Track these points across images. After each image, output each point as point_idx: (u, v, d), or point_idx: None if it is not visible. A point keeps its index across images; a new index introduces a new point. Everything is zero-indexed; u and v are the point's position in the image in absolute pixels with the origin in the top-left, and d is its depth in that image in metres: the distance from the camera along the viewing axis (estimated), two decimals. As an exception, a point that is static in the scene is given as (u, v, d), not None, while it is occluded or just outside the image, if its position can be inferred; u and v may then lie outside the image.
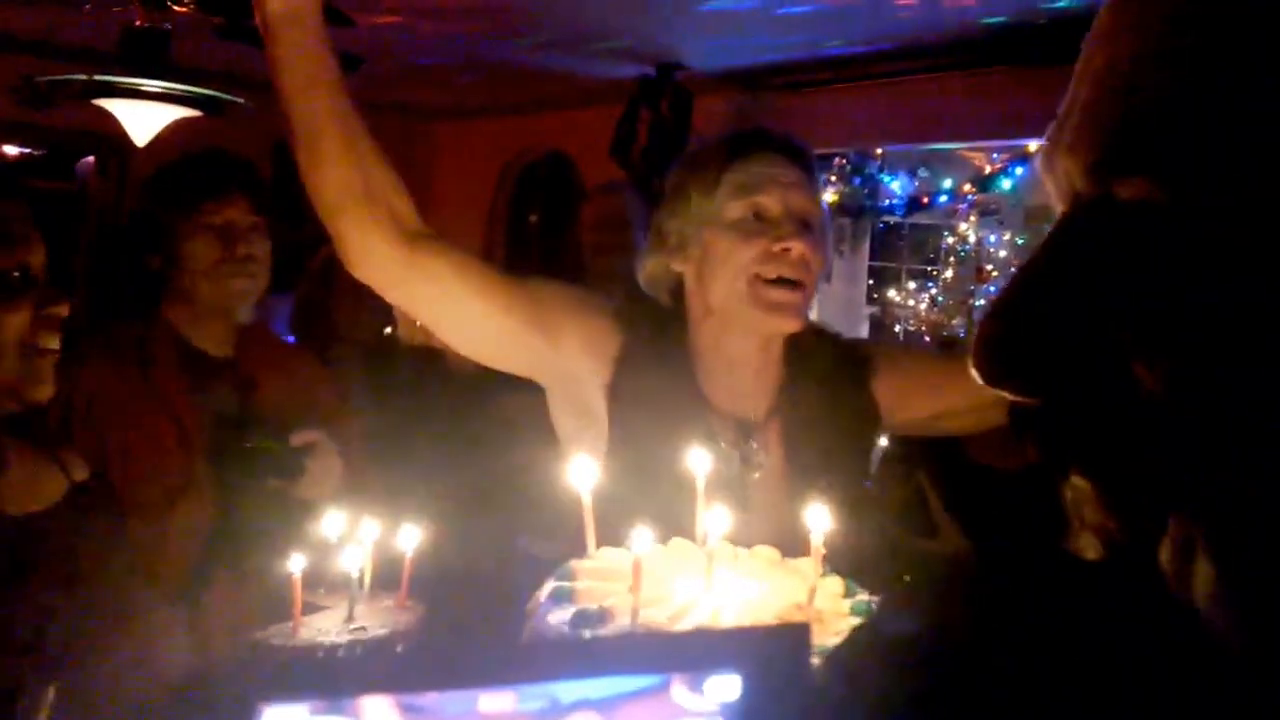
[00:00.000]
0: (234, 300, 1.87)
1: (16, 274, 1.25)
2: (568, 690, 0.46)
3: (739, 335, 1.48)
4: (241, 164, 1.94)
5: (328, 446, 1.80)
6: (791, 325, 1.45)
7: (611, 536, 1.23)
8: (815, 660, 0.53)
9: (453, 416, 2.78)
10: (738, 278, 1.42)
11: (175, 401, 1.79)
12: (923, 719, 0.48)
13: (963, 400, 1.51)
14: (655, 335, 1.48)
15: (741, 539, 1.27)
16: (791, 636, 0.47)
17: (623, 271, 2.68)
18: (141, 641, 1.35)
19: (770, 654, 0.45)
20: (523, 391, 1.75)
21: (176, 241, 1.83)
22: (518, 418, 2.44)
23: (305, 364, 2.08)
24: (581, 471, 1.23)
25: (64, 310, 1.28)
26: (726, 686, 0.45)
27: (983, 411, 1.52)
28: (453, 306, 1.43)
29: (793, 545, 1.29)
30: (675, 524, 1.25)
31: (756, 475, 1.45)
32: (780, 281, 1.42)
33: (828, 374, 1.52)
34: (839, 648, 0.51)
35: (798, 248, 1.40)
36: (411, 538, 1.33)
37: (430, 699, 0.46)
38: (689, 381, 1.47)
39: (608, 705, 0.46)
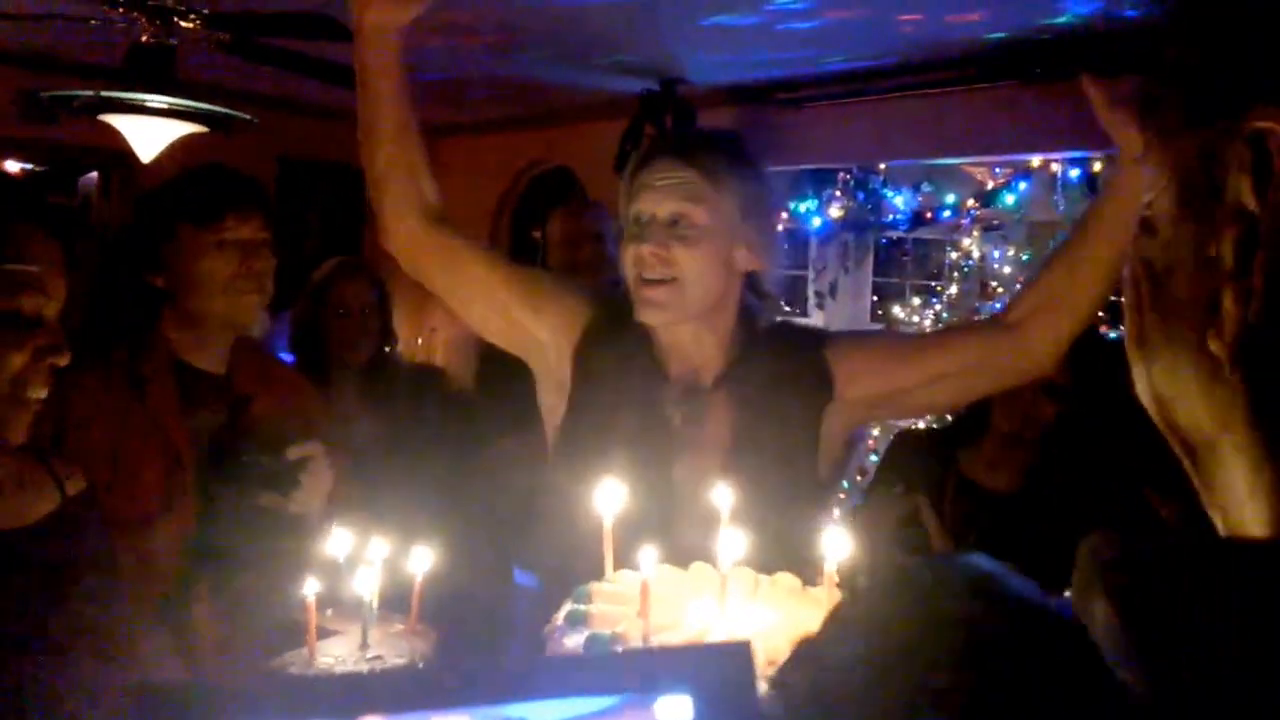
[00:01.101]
0: (247, 315, 1.85)
1: (27, 315, 1.24)
2: (522, 712, 0.46)
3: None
4: (250, 179, 1.93)
5: (322, 460, 1.77)
6: (658, 319, 1.58)
7: (571, 493, 1.37)
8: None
9: (449, 439, 2.77)
10: (628, 276, 1.59)
11: (167, 421, 1.76)
12: None
13: (919, 374, 1.61)
14: (621, 312, 1.62)
15: (686, 492, 1.39)
16: (737, 655, 0.47)
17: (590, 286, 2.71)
18: (128, 666, 1.32)
19: (720, 671, 0.46)
20: (517, 431, 1.82)
21: (187, 257, 1.79)
22: (514, 451, 2.44)
23: (294, 382, 2.06)
24: (604, 496, 1.26)
25: (62, 361, 1.25)
26: (678, 707, 0.45)
27: (942, 384, 1.61)
28: (461, 279, 1.67)
29: (741, 502, 1.34)
30: (623, 473, 1.36)
31: (698, 429, 1.57)
32: (650, 280, 1.55)
33: (778, 345, 1.63)
34: (783, 666, 0.50)
35: (644, 250, 1.55)
36: (422, 560, 1.32)
37: None
38: (645, 351, 1.62)
39: None
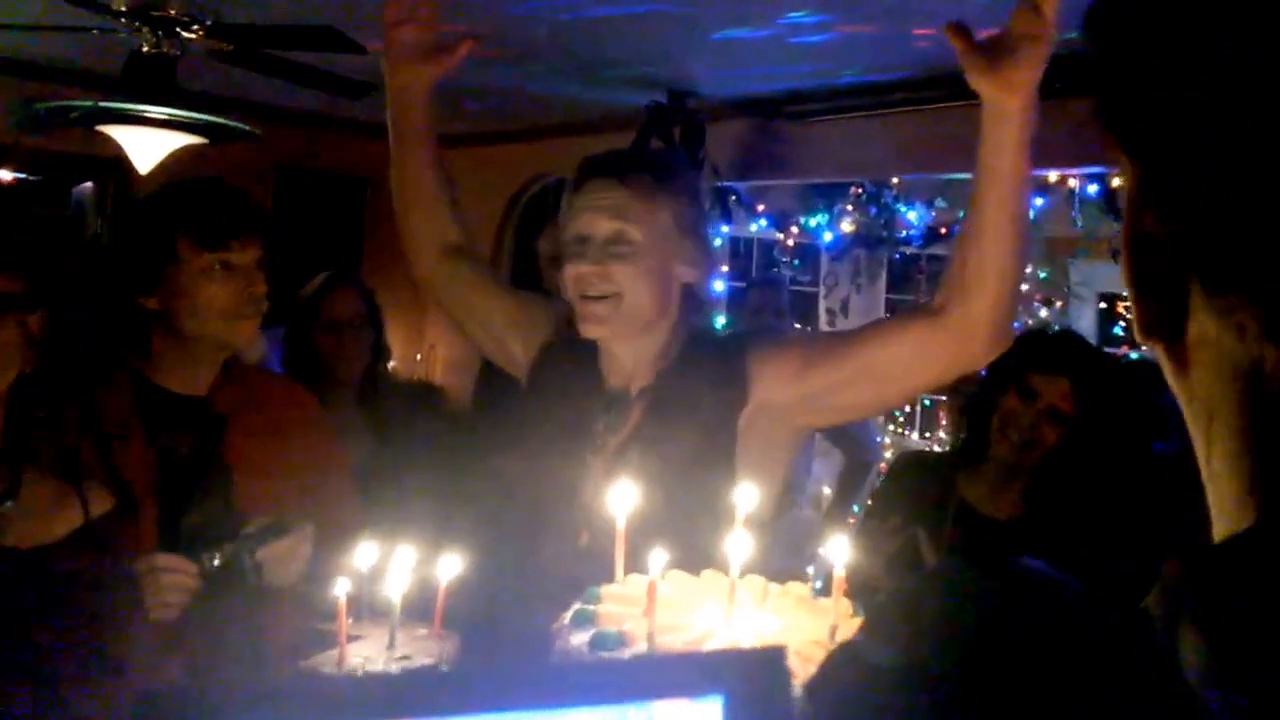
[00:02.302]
0: (242, 338, 1.78)
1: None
2: (551, 718, 0.45)
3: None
4: (250, 196, 1.84)
5: (295, 547, 1.63)
6: (599, 332, 1.65)
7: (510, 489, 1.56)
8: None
9: (444, 459, 2.70)
10: (570, 294, 1.66)
11: (119, 461, 1.62)
12: None
13: (845, 370, 1.61)
14: (574, 328, 1.70)
15: (594, 494, 1.47)
16: (771, 658, 0.46)
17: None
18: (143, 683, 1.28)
19: (752, 676, 0.45)
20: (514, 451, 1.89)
21: (189, 279, 1.69)
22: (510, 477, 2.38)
23: (289, 399, 1.94)
24: (619, 497, 1.29)
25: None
26: (708, 711, 0.45)
27: (875, 378, 1.60)
28: (466, 301, 1.86)
29: (635, 500, 1.37)
30: (552, 465, 1.58)
31: (613, 438, 1.65)
32: (590, 296, 1.63)
33: (702, 354, 1.68)
34: (817, 674, 0.49)
35: (583, 269, 1.62)
36: (449, 566, 1.34)
37: None
38: (589, 363, 1.71)
39: None
